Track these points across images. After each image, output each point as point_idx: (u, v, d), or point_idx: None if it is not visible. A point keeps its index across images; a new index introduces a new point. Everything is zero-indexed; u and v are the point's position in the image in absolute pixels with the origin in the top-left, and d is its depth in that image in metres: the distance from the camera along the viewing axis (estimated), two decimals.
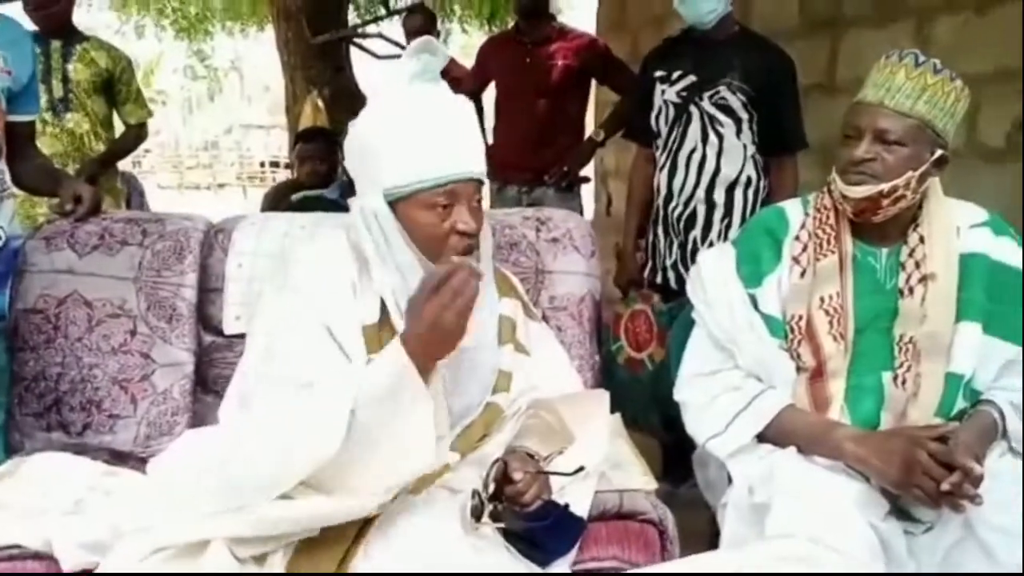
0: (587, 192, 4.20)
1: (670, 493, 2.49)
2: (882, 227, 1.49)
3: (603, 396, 1.56)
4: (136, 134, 3.43)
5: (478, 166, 1.37)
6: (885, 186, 1.42)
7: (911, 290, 1.46)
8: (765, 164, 2.42)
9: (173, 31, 10.99)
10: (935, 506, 1.29)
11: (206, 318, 1.76)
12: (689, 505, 1.89)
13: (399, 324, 1.33)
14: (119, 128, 3.42)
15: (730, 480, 1.49)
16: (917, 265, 1.47)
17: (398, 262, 1.33)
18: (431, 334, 1.18)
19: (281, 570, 1.19)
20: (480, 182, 1.38)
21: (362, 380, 1.18)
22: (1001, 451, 1.42)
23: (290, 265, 1.39)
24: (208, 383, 1.74)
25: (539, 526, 1.25)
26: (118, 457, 1.60)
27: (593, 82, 3.45)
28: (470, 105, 1.41)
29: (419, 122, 1.32)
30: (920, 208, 1.50)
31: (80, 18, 3.15)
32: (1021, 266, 1.48)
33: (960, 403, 1.42)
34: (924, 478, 1.26)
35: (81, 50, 3.14)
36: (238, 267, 1.73)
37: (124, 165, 4.49)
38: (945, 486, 1.24)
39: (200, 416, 1.70)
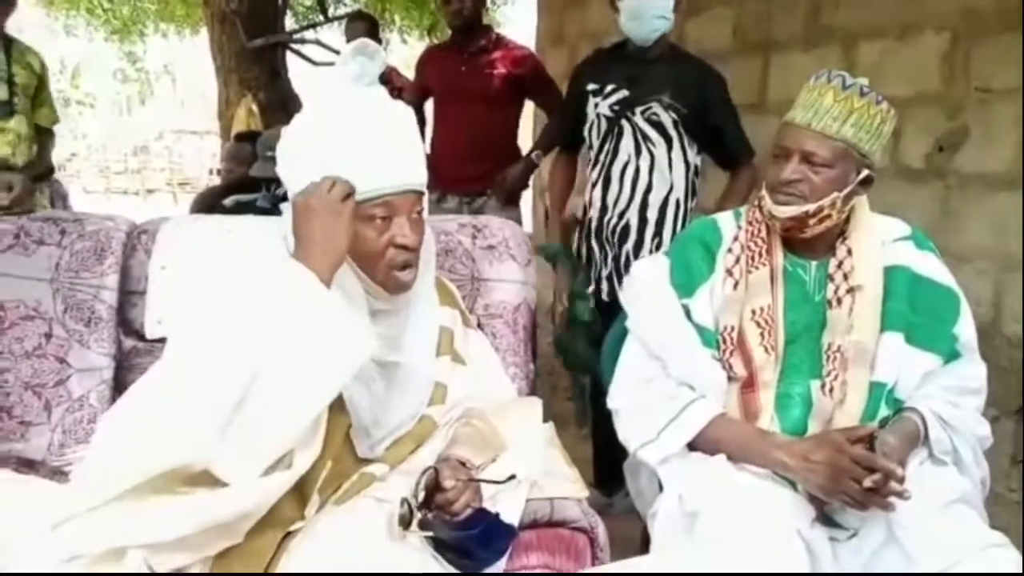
0: (525, 204, 4.21)
1: (604, 503, 2.51)
2: (811, 241, 1.52)
3: (536, 404, 1.55)
4: (51, 138, 3.32)
5: (418, 177, 1.31)
6: (811, 207, 1.45)
7: (839, 301, 1.49)
8: (694, 183, 2.45)
9: (104, 32, 10.63)
10: (862, 509, 1.30)
11: (127, 322, 1.68)
12: (622, 516, 1.90)
13: None
14: None
15: (661, 488, 1.49)
16: (845, 277, 1.50)
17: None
18: (322, 246, 1.19)
19: None
20: (420, 193, 1.32)
21: (269, 303, 1.15)
22: (921, 458, 1.45)
23: (220, 267, 1.33)
24: (127, 389, 1.66)
25: (469, 534, 1.22)
26: (28, 465, 1.53)
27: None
28: (410, 112, 1.35)
29: (356, 131, 1.26)
30: (847, 222, 1.53)
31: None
32: (943, 280, 1.52)
33: (883, 410, 1.45)
34: (849, 483, 1.28)
35: (18, 53, 3.03)
36: (161, 269, 1.66)
37: None
38: (867, 483, 1.25)
39: None
